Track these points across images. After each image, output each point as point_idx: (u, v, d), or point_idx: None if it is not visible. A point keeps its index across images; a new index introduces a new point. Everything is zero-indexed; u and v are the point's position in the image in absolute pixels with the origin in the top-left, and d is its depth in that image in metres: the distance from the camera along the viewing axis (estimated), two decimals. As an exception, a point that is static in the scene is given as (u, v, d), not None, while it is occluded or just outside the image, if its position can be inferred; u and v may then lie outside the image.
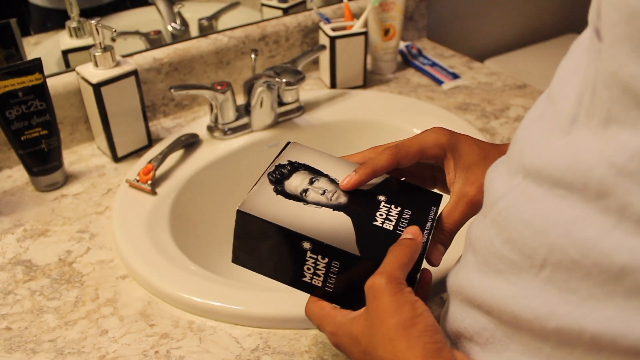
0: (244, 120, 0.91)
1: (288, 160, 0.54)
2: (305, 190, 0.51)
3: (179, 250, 0.72)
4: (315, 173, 0.53)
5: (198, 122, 0.96)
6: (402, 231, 0.49)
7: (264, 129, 0.93)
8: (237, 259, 0.51)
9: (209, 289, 0.65)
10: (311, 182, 0.52)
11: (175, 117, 1.01)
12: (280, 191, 0.51)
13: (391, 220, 0.50)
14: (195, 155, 0.88)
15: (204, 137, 0.92)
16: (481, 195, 0.50)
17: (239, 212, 0.48)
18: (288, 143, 0.57)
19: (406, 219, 0.50)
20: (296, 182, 0.52)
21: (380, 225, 0.49)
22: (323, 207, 0.50)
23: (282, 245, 0.48)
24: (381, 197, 0.52)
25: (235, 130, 0.91)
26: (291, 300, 0.63)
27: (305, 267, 0.48)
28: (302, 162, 0.55)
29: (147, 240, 0.72)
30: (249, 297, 0.64)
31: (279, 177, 0.52)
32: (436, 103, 1.04)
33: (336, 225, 0.48)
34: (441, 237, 0.52)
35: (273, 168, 0.53)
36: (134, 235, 0.73)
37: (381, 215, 0.50)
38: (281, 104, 0.94)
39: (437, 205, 0.54)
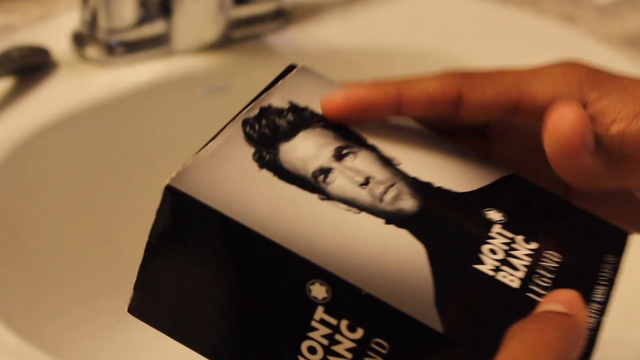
0: (156, 28, 0.59)
1: (290, 102, 0.33)
2: (326, 171, 0.30)
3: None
4: (350, 139, 0.32)
5: (51, 25, 0.64)
6: (540, 295, 0.29)
7: (197, 50, 0.62)
8: (139, 306, 0.28)
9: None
10: (339, 156, 0.30)
11: (4, 10, 0.66)
12: (269, 162, 0.29)
13: (516, 268, 0.29)
14: (39, 95, 0.58)
15: (62, 56, 0.60)
16: None
17: (170, 191, 0.26)
18: (292, 67, 0.35)
19: (550, 271, 0.30)
20: (306, 149, 0.31)
21: (492, 274, 0.28)
22: (363, 214, 0.29)
23: (261, 284, 0.28)
24: (494, 214, 0.31)
25: (134, 46, 0.60)
26: None
27: (304, 345, 0.27)
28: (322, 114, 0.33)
29: None
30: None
31: (267, 131, 0.31)
32: (582, 28, 0.70)
33: (392, 261, 0.28)
34: None
35: (256, 112, 0.31)
36: None
37: (493, 251, 0.30)
38: (240, 0, 0.62)
39: (620, 252, 0.32)
